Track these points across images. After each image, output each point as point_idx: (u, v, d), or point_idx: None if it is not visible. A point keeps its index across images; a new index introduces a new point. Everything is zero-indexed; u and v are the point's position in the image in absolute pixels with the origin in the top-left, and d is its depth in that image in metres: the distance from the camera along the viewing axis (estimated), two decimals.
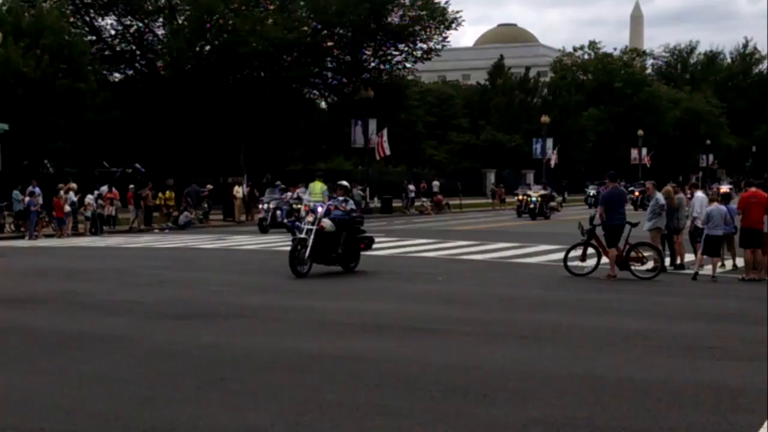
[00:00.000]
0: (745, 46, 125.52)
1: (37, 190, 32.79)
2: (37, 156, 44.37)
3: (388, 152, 55.23)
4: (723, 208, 19.06)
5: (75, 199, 34.02)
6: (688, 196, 21.54)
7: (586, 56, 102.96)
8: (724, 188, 62.67)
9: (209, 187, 42.76)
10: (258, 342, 10.90)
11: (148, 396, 8.26)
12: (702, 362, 9.91)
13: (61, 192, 32.82)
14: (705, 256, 18.61)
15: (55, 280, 17.70)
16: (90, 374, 9.20)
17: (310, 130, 58.46)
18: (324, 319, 12.64)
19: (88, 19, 54.88)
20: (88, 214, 34.12)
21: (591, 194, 58.20)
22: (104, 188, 35.87)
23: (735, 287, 17.52)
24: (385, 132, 54.33)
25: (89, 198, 34.69)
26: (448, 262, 21.92)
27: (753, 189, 18.90)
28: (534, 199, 46.19)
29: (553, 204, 49.15)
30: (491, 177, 78.74)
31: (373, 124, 52.81)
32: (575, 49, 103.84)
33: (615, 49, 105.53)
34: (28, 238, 31.21)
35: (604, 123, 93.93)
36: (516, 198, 49.84)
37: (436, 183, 60.86)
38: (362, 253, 19.83)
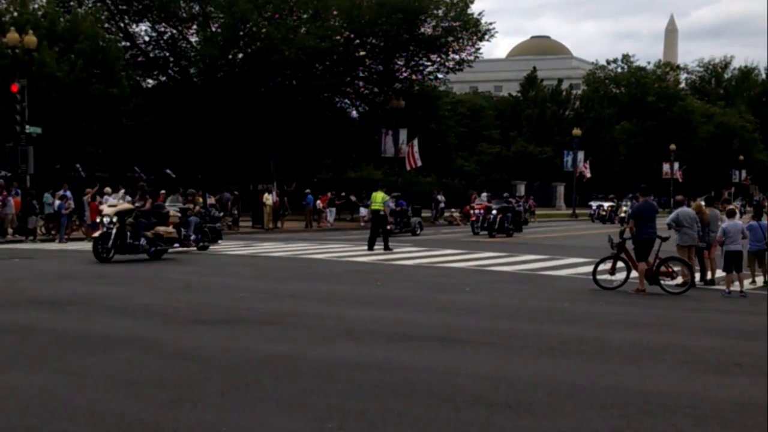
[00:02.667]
0: None
1: (69, 193, 33.11)
2: (68, 160, 44.75)
3: (419, 163, 55.20)
4: (740, 223, 18.96)
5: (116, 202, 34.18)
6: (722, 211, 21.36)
7: (619, 69, 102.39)
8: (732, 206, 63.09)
9: (235, 193, 42.92)
10: (283, 348, 10.90)
11: (172, 399, 8.28)
12: (730, 379, 9.79)
13: (104, 197, 33.08)
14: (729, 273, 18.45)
15: (83, 283, 17.81)
16: (115, 376, 9.24)
17: (340, 138, 58.58)
18: (350, 327, 12.62)
19: (122, 25, 55.38)
20: None
21: (594, 207, 62.18)
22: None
23: (765, 304, 17.30)
24: (416, 142, 54.32)
25: (122, 202, 34.86)
26: (476, 273, 21.86)
27: None
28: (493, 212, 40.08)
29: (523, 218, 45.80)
30: (521, 189, 78.44)
31: (403, 134, 52.84)
32: (608, 62, 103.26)
33: (648, 62, 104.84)
34: (58, 241, 31.48)
35: (636, 136, 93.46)
36: (471, 210, 43.90)
37: (485, 194, 61.19)
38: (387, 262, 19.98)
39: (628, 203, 53.56)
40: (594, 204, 63.72)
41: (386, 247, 28.32)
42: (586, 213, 65.14)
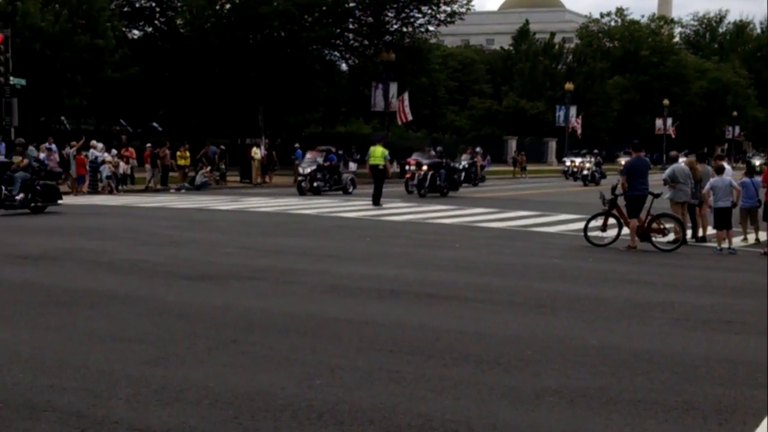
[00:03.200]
0: None
1: (54, 146, 32.86)
2: (53, 112, 44.38)
3: (410, 117, 54.93)
4: (727, 179, 18.82)
5: (103, 156, 34.07)
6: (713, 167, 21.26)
7: (612, 23, 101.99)
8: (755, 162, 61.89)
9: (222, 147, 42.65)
10: (271, 305, 10.83)
11: (159, 355, 8.21)
12: (720, 336, 9.77)
13: (90, 150, 32.92)
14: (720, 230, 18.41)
15: (69, 238, 17.70)
16: (101, 332, 9.16)
17: (330, 92, 58.21)
18: (337, 283, 12.55)
19: None
20: (108, 173, 34.13)
21: (567, 163, 56.80)
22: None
23: (757, 261, 17.30)
24: (406, 96, 53.99)
25: (108, 156, 34.71)
26: (466, 230, 21.79)
27: None
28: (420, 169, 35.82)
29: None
30: (512, 144, 78.31)
31: (393, 88, 52.49)
32: (602, 16, 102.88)
33: (643, 16, 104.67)
34: None
35: (629, 91, 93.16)
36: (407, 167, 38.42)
37: (478, 149, 61.05)
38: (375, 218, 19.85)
39: (592, 160, 52.14)
40: (567, 160, 59.14)
41: (377, 202, 28.22)
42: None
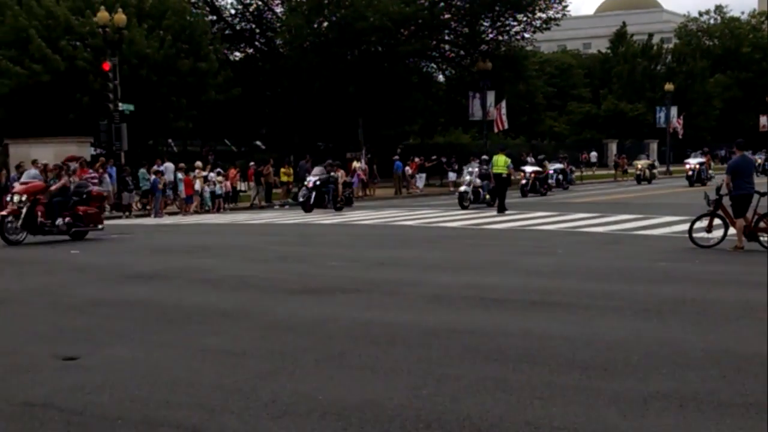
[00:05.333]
0: None
1: (164, 167, 33.80)
2: (160, 135, 45.56)
3: (506, 125, 54.75)
4: None
5: (206, 174, 34.97)
6: None
7: (712, 21, 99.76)
8: None
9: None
10: (376, 316, 10.94)
11: (269, 369, 8.39)
12: None
13: (196, 171, 33.81)
14: None
15: (179, 257, 18.16)
16: (212, 348, 9.40)
17: (427, 103, 58.41)
18: (441, 293, 12.61)
19: None
20: (219, 191, 34.97)
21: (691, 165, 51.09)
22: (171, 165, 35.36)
23: None
24: (503, 104, 53.85)
25: (212, 175, 35.54)
26: (568, 235, 21.64)
27: None
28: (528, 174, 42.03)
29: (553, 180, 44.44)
30: (613, 147, 77.19)
31: (491, 97, 52.40)
32: (701, 14, 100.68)
33: (743, 12, 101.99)
34: (153, 216, 32.15)
35: (731, 89, 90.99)
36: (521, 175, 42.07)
37: (594, 154, 60.73)
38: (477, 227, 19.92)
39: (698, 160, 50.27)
40: (692, 161, 51.02)
41: (501, 210, 29.21)
42: (681, 171, 61.60)
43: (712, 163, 53.67)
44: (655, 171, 55.20)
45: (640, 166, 53.48)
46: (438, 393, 7.46)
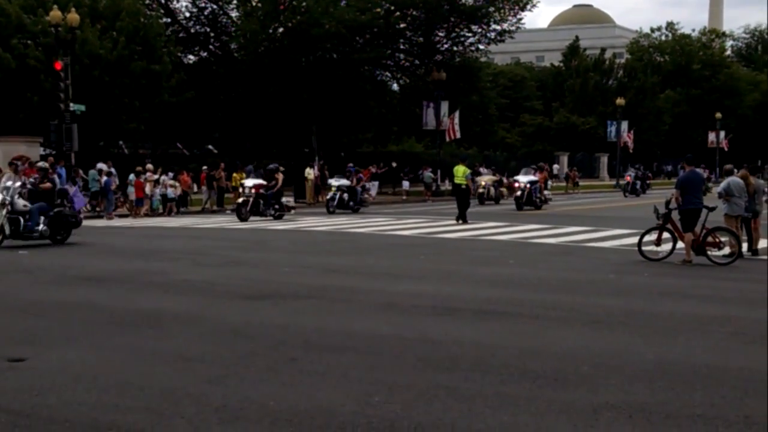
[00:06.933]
0: None
1: (114, 170, 33.50)
2: (112, 137, 45.12)
3: (459, 135, 55.06)
4: None
5: (157, 177, 34.73)
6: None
7: (663, 37, 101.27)
8: None
9: (250, 167, 43.01)
10: (328, 323, 10.94)
11: (220, 374, 8.35)
12: None
13: (147, 174, 33.52)
14: None
15: (130, 260, 18.00)
16: (163, 352, 9.35)
17: (381, 112, 58.47)
18: (393, 301, 12.64)
19: (163, 1, 55.51)
20: (170, 193, 34.71)
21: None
22: (102, 165, 34.87)
23: None
24: (456, 114, 54.15)
25: (165, 178, 35.30)
26: (519, 246, 21.80)
27: None
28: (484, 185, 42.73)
29: (546, 193, 41.55)
30: (564, 160, 77.97)
31: (445, 107, 52.66)
32: (652, 30, 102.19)
33: (693, 30, 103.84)
34: (105, 218, 31.83)
35: (680, 105, 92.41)
36: (479, 185, 43.17)
37: (556, 166, 61.07)
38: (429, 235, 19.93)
39: (632, 174, 54.39)
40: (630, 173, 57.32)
41: (464, 220, 29.22)
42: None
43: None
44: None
45: (484, 183, 44.90)
46: (390, 400, 7.48)
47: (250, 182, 31.48)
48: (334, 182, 36.72)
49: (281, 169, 33.13)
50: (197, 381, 8.10)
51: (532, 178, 40.00)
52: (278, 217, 31.04)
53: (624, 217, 32.43)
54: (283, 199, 32.53)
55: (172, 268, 16.54)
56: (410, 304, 12.37)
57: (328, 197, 36.25)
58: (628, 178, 55.38)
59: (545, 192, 41.09)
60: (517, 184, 39.76)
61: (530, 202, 38.87)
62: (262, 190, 31.07)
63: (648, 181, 60.40)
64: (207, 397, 7.54)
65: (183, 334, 10.24)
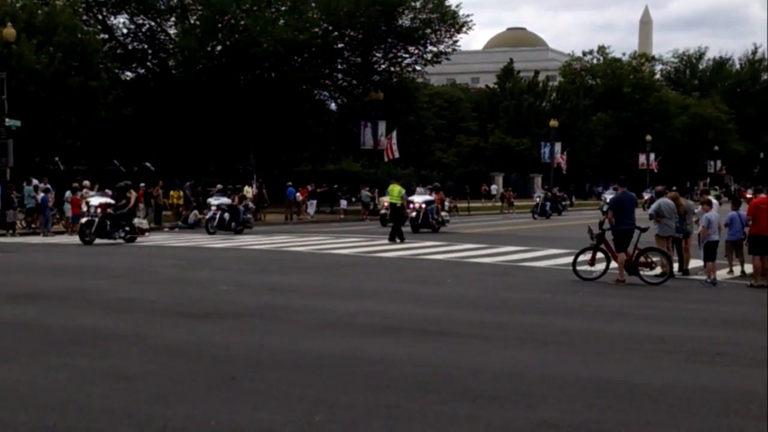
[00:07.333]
0: (754, 52, 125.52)
1: (50, 186, 33.03)
2: (48, 153, 44.50)
3: (397, 154, 55.34)
4: (717, 214, 19.36)
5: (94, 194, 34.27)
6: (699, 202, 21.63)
7: (595, 61, 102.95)
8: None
9: (218, 186, 42.85)
10: (268, 342, 10.95)
11: (160, 394, 8.31)
12: (712, 368, 9.94)
13: (84, 191, 33.07)
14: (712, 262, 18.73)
15: (67, 277, 17.79)
16: (102, 371, 9.27)
17: (319, 131, 58.58)
18: (334, 319, 12.69)
19: (100, 17, 55.04)
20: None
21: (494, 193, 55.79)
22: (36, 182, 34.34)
23: (743, 293, 17.55)
24: (394, 134, 54.42)
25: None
26: (457, 265, 21.97)
27: (763, 195, 18.94)
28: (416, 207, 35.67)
29: (444, 215, 38.14)
30: (499, 180, 78.73)
31: (382, 126, 52.90)
32: (584, 54, 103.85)
33: (624, 54, 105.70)
34: (42, 235, 31.31)
35: (612, 127, 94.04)
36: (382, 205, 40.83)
37: (494, 186, 61.32)
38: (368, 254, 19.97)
39: (540, 196, 53.54)
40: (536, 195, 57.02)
41: (398, 238, 28.77)
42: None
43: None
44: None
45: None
46: (331, 420, 7.52)
47: (95, 200, 27.80)
48: (213, 201, 33.73)
49: (138, 186, 32.21)
50: (138, 400, 8.04)
51: (427, 198, 36.76)
52: (129, 240, 27.93)
53: (559, 237, 32.80)
54: (136, 221, 29.05)
55: (111, 285, 16.37)
56: (350, 323, 12.43)
57: (207, 216, 33.75)
58: (537, 200, 53.55)
59: (443, 213, 37.36)
60: (412, 205, 35.62)
61: (426, 224, 35.49)
62: (110, 210, 27.50)
63: (564, 203, 59.94)
64: (148, 417, 7.50)
65: (122, 353, 10.15)
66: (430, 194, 37.50)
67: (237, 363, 9.65)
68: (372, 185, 52.44)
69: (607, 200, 51.80)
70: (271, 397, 8.26)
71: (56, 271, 19.10)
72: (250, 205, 35.94)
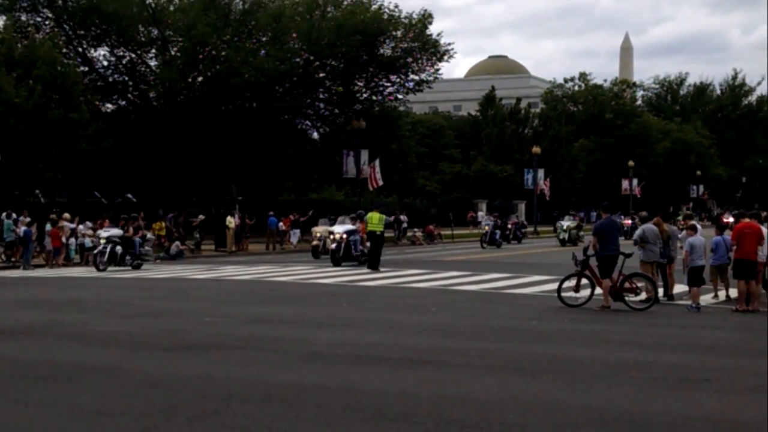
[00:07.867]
0: (734, 78, 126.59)
1: (29, 219, 32.78)
2: (28, 186, 44.26)
3: (380, 182, 55.35)
4: (703, 239, 19.31)
5: (74, 226, 34.15)
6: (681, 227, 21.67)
7: (576, 87, 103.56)
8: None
9: (201, 217, 42.72)
10: (251, 374, 10.82)
11: (141, 428, 8.18)
12: (698, 394, 9.87)
13: (63, 223, 32.88)
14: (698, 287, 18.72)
15: (47, 311, 17.58)
16: (82, 406, 9.12)
17: (302, 160, 58.53)
18: (317, 350, 12.57)
19: (80, 50, 54.98)
20: (87, 243, 34.09)
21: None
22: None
23: (728, 318, 17.53)
24: (377, 162, 54.44)
25: (82, 228, 34.69)
26: (441, 293, 21.89)
27: (747, 220, 18.97)
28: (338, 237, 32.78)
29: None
30: (483, 207, 78.81)
31: (365, 155, 52.92)
32: (566, 81, 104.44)
33: (605, 80, 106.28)
34: (23, 269, 31.05)
35: (594, 153, 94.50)
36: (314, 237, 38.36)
37: (481, 213, 61.17)
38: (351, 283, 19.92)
39: (489, 223, 49.42)
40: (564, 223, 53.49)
41: (374, 267, 28.88)
42: (550, 231, 62.67)
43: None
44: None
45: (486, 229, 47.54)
46: None
47: (105, 233, 30.70)
48: (102, 233, 30.99)
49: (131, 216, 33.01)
50: None
51: (349, 227, 33.32)
52: (135, 267, 30.56)
53: (543, 263, 32.79)
54: (146, 248, 32.04)
55: (91, 319, 16.21)
56: (334, 353, 12.31)
57: (95, 252, 30.80)
58: (486, 228, 49.14)
59: (368, 244, 31.04)
60: (332, 236, 33.15)
61: (348, 256, 32.17)
62: (117, 240, 30.49)
63: (523, 230, 57.68)
64: None
65: (102, 388, 10.00)
66: (353, 223, 33.86)
67: (219, 396, 9.51)
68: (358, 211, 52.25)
69: (564, 227, 52.01)
70: (254, 430, 8.14)
71: (35, 305, 18.88)
72: (149, 236, 33.53)
